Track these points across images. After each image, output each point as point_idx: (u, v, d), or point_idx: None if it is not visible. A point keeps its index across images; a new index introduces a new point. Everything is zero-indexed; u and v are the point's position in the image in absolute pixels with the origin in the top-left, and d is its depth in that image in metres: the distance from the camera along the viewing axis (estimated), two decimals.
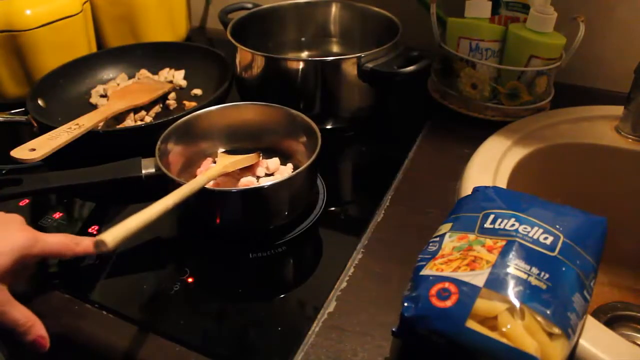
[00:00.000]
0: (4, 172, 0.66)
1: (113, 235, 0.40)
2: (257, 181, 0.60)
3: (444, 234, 0.45)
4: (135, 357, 0.45)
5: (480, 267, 0.39)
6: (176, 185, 0.50)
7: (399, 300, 0.40)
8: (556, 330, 0.36)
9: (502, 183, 0.58)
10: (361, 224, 0.57)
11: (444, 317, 0.37)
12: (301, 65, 0.69)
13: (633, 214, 0.67)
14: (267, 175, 0.62)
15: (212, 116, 0.64)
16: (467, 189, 0.55)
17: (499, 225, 0.42)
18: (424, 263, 0.42)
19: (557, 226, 0.41)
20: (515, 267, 0.38)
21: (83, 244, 0.46)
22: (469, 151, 0.64)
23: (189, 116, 0.62)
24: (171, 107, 0.78)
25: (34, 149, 0.55)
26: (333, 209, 0.60)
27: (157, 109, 0.77)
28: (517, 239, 0.40)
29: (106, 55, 0.85)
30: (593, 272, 0.41)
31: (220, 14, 0.84)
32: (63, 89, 0.78)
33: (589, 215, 0.44)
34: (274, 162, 0.62)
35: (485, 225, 0.43)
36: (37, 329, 0.43)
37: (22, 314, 0.43)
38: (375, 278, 0.51)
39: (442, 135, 0.71)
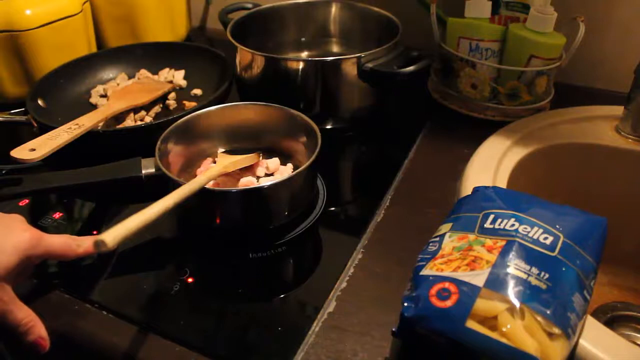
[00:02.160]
0: (4, 172, 0.66)
1: (113, 235, 0.40)
2: (257, 181, 0.60)
3: (444, 234, 0.45)
4: (135, 357, 0.45)
5: (480, 267, 0.39)
6: (176, 185, 0.50)
7: (399, 300, 0.40)
8: (556, 330, 0.36)
9: (502, 183, 0.58)
10: (361, 224, 0.57)
11: (444, 317, 0.37)
12: (301, 65, 0.69)
13: (633, 214, 0.67)
14: (267, 175, 0.62)
15: (212, 116, 0.64)
16: (467, 189, 0.55)
17: (499, 225, 0.42)
18: (424, 263, 0.42)
19: (557, 226, 0.41)
20: (515, 267, 0.38)
21: (85, 246, 0.46)
22: (469, 151, 0.64)
23: (189, 116, 0.62)
24: (171, 107, 0.78)
25: (34, 149, 0.56)
26: (333, 209, 0.60)
27: (157, 109, 0.77)
28: (517, 239, 0.40)
29: (106, 55, 0.85)
30: (593, 272, 0.41)
31: (220, 14, 0.84)
32: (63, 89, 0.78)
33: (589, 215, 0.44)
34: (274, 162, 0.62)
35: (485, 225, 0.43)
36: (38, 329, 0.43)
37: (24, 314, 0.43)
38: (375, 278, 0.51)
39: (442, 135, 0.71)
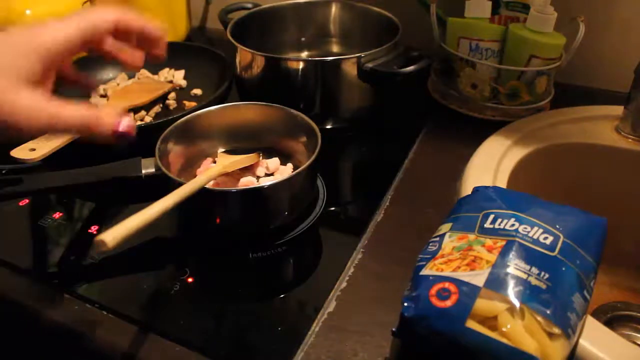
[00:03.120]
0: (4, 172, 0.66)
1: (113, 235, 0.40)
2: (257, 181, 0.60)
3: (444, 233, 0.45)
4: (135, 357, 0.45)
5: (480, 267, 0.39)
6: (176, 185, 0.50)
7: (399, 300, 0.40)
8: (556, 330, 0.36)
9: (502, 183, 0.58)
10: (361, 224, 0.57)
11: (443, 317, 0.37)
12: (301, 65, 0.69)
13: (633, 214, 0.67)
14: (267, 175, 0.62)
15: (212, 116, 0.64)
16: (467, 189, 0.55)
17: (499, 225, 0.42)
18: (424, 263, 0.42)
19: (557, 226, 0.41)
20: (515, 267, 0.38)
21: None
22: (469, 151, 0.64)
23: (189, 116, 0.62)
24: (171, 107, 0.78)
25: (34, 149, 0.55)
26: (333, 209, 0.60)
27: (157, 109, 0.77)
28: (517, 239, 0.40)
29: None
30: (593, 272, 0.41)
31: (220, 14, 0.84)
32: (63, 89, 0.78)
33: (589, 215, 0.44)
34: (274, 162, 0.62)
35: (485, 225, 0.43)
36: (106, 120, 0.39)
37: (76, 114, 0.39)
38: (375, 278, 0.51)
39: (442, 135, 0.71)
